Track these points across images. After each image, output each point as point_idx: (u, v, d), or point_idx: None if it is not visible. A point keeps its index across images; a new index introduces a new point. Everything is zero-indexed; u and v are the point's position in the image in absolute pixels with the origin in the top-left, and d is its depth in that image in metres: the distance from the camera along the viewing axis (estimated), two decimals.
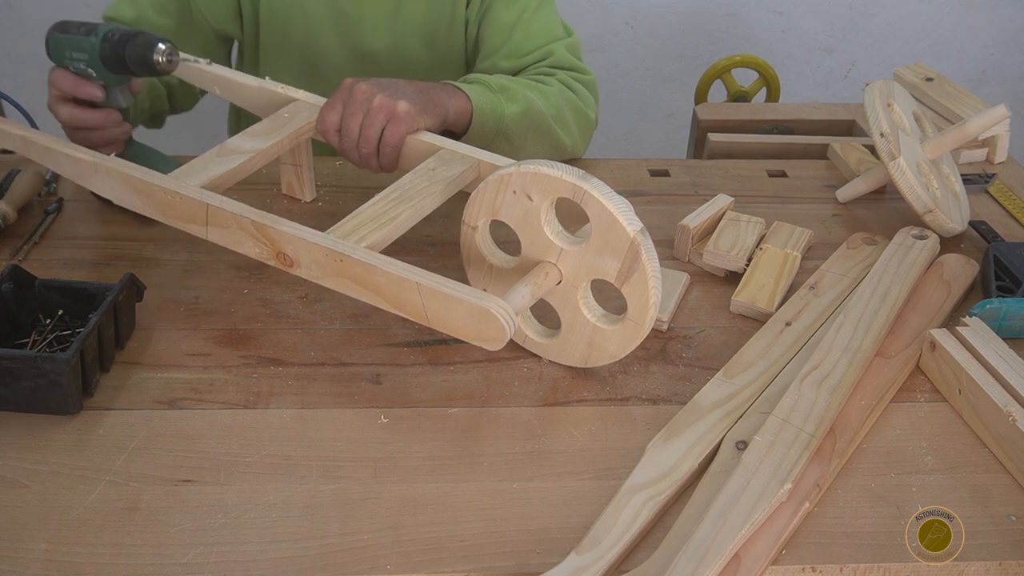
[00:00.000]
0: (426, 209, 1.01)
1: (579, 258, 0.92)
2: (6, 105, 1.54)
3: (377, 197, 1.00)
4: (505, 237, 1.00)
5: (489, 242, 0.99)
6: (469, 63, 1.40)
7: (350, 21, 1.34)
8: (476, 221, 0.97)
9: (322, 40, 1.35)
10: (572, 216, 0.95)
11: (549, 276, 0.93)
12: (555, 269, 0.94)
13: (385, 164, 1.09)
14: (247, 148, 1.08)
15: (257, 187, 1.27)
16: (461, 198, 1.05)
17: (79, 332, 0.99)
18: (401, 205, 0.99)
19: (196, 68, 1.23)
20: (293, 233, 0.93)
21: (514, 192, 0.92)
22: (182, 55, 1.14)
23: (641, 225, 0.88)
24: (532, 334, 0.99)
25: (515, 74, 1.33)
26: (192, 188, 0.98)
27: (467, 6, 1.35)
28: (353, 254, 0.90)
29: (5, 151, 1.42)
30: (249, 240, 0.96)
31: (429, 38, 1.36)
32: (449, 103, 1.13)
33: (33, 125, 1.26)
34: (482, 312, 0.85)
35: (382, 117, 1.07)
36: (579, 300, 0.94)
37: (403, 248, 0.92)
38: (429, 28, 1.35)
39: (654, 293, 0.89)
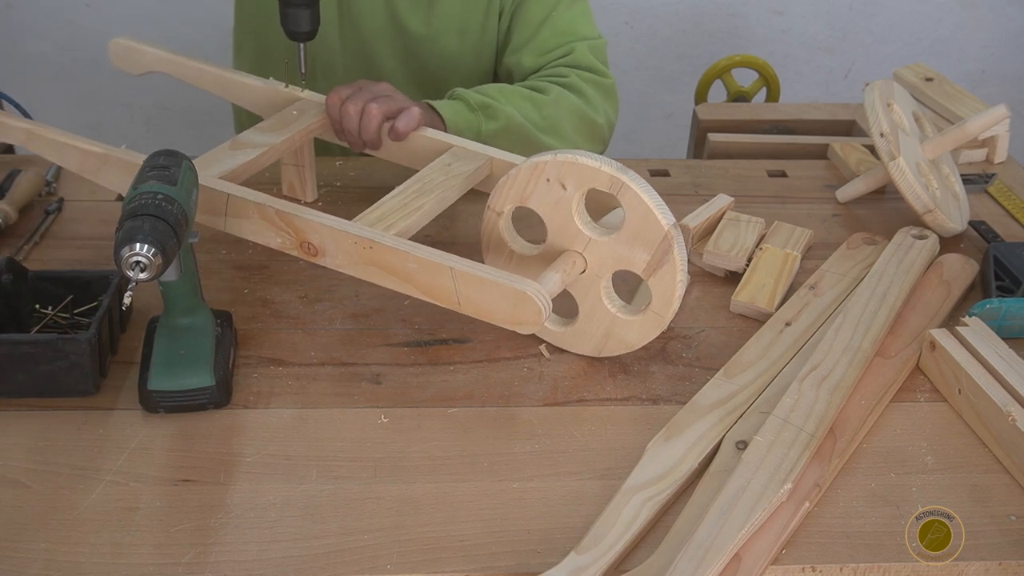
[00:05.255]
0: (447, 201, 1.02)
1: (607, 248, 0.93)
2: (6, 105, 1.54)
3: (397, 190, 1.01)
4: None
5: (512, 229, 1.00)
6: (500, 53, 1.40)
7: (396, 8, 1.35)
8: (502, 207, 0.98)
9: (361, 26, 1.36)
10: (590, 208, 0.96)
11: (575, 265, 0.94)
12: (580, 258, 0.95)
13: (372, 128, 1.10)
14: (260, 142, 1.08)
15: (258, 188, 1.27)
16: (463, 197, 1.06)
17: (76, 317, 1.00)
18: (422, 197, 1.00)
19: (195, 67, 1.23)
20: (321, 222, 0.93)
21: (547, 180, 0.93)
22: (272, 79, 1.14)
23: (674, 219, 0.90)
24: (547, 322, 0.99)
25: (537, 70, 1.33)
26: (211, 179, 0.99)
27: None
28: (384, 241, 0.91)
29: (7, 151, 1.42)
30: (271, 230, 0.96)
31: (462, 27, 1.36)
32: (435, 121, 1.17)
33: None
34: (519, 295, 0.86)
35: (399, 98, 1.11)
36: (601, 290, 0.95)
37: None
38: (463, 18, 1.36)
39: (680, 286, 0.91)
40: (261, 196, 0.97)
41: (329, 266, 0.95)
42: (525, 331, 0.89)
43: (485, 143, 1.18)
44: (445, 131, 1.17)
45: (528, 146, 1.24)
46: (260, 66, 1.41)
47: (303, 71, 1.16)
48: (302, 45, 1.14)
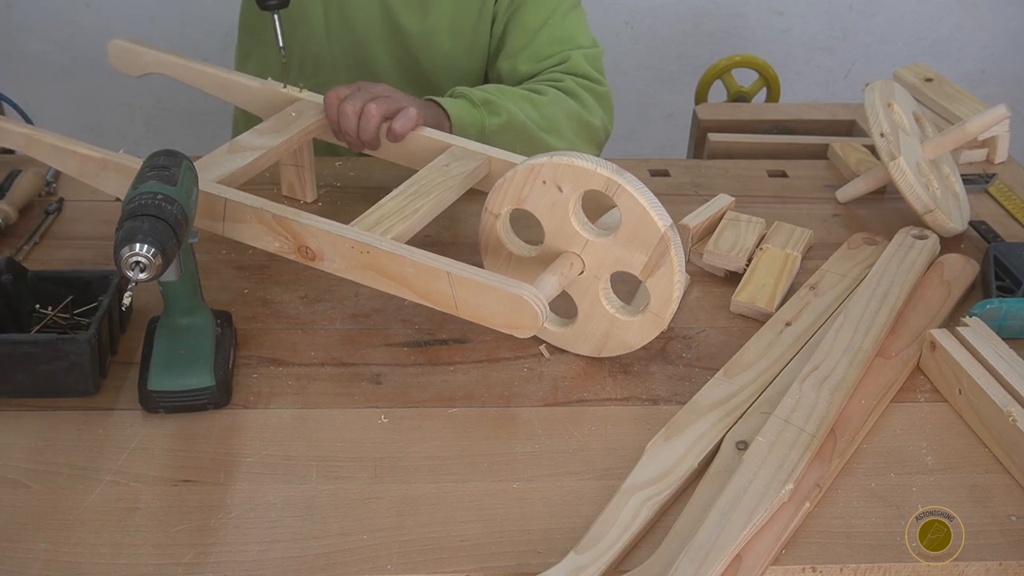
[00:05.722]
0: (445, 203, 1.02)
1: (604, 250, 0.93)
2: (5, 107, 1.54)
3: (395, 191, 1.01)
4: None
5: (509, 230, 1.00)
6: (491, 57, 1.41)
7: (390, 5, 1.35)
8: (499, 209, 0.98)
9: (362, 16, 1.37)
10: (588, 206, 0.96)
11: (573, 266, 0.94)
12: (578, 259, 0.95)
13: (371, 129, 1.10)
14: (258, 145, 1.08)
15: (257, 188, 1.27)
16: (462, 197, 1.06)
17: (76, 317, 1.00)
18: (420, 199, 1.00)
19: (194, 68, 1.23)
20: (318, 226, 0.93)
21: (544, 182, 0.93)
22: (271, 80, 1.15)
23: (671, 221, 0.90)
24: (547, 323, 0.99)
25: (532, 76, 1.33)
26: (209, 183, 0.98)
27: (496, 1, 1.36)
28: (380, 245, 0.91)
29: (6, 151, 1.42)
30: (269, 234, 0.96)
31: (454, 27, 1.37)
32: (440, 118, 1.17)
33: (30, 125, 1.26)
34: (515, 299, 0.86)
35: (398, 98, 1.11)
36: (599, 291, 0.95)
37: None
38: (456, 17, 1.36)
39: (678, 287, 0.91)
40: (259, 201, 0.96)
41: (327, 270, 0.95)
42: (522, 335, 0.89)
43: (488, 139, 1.18)
44: (451, 127, 1.17)
45: (530, 144, 1.24)
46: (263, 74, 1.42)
47: (281, 44, 1.16)
48: (275, 16, 1.14)
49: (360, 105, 1.10)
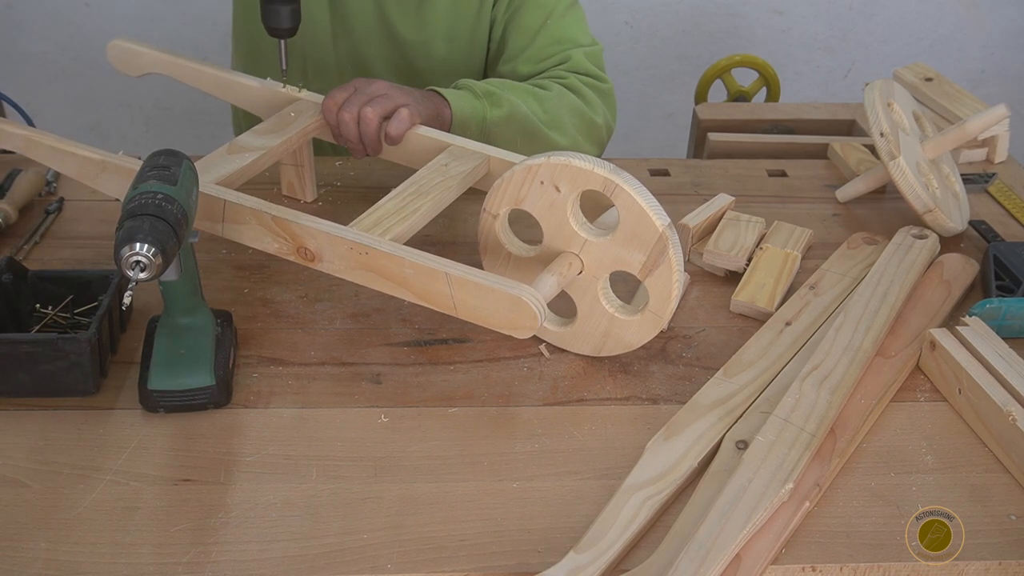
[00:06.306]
0: (444, 203, 1.02)
1: (603, 250, 0.93)
2: (6, 107, 1.54)
3: (394, 192, 1.01)
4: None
5: (508, 231, 1.00)
6: (491, 63, 1.41)
7: (386, 12, 1.36)
8: (498, 209, 0.98)
9: (359, 30, 1.37)
10: (588, 205, 0.96)
11: (572, 266, 0.94)
12: (577, 259, 0.95)
13: (371, 133, 1.10)
14: (258, 145, 1.08)
15: (257, 188, 1.27)
16: (462, 197, 1.06)
17: (76, 317, 1.00)
18: (419, 199, 1.00)
19: (194, 68, 1.23)
20: (317, 227, 0.93)
21: (541, 182, 0.93)
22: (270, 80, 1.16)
23: (669, 220, 0.90)
24: (547, 323, 0.99)
25: (533, 77, 1.33)
26: (208, 184, 0.98)
27: (493, 6, 1.36)
28: (379, 246, 0.91)
29: (6, 151, 1.42)
30: (268, 236, 0.96)
31: (451, 33, 1.37)
32: (441, 108, 1.17)
33: (31, 125, 1.26)
34: (514, 300, 0.86)
35: (394, 96, 1.10)
36: (599, 291, 0.95)
37: None
38: (452, 24, 1.36)
39: (677, 286, 0.91)
40: (258, 202, 0.96)
41: (326, 271, 0.95)
42: (521, 335, 0.89)
43: (490, 131, 1.18)
44: (451, 116, 1.17)
45: (532, 138, 1.24)
46: (253, 63, 1.41)
47: (284, 68, 1.17)
48: (283, 42, 1.14)
49: (356, 111, 1.09)
